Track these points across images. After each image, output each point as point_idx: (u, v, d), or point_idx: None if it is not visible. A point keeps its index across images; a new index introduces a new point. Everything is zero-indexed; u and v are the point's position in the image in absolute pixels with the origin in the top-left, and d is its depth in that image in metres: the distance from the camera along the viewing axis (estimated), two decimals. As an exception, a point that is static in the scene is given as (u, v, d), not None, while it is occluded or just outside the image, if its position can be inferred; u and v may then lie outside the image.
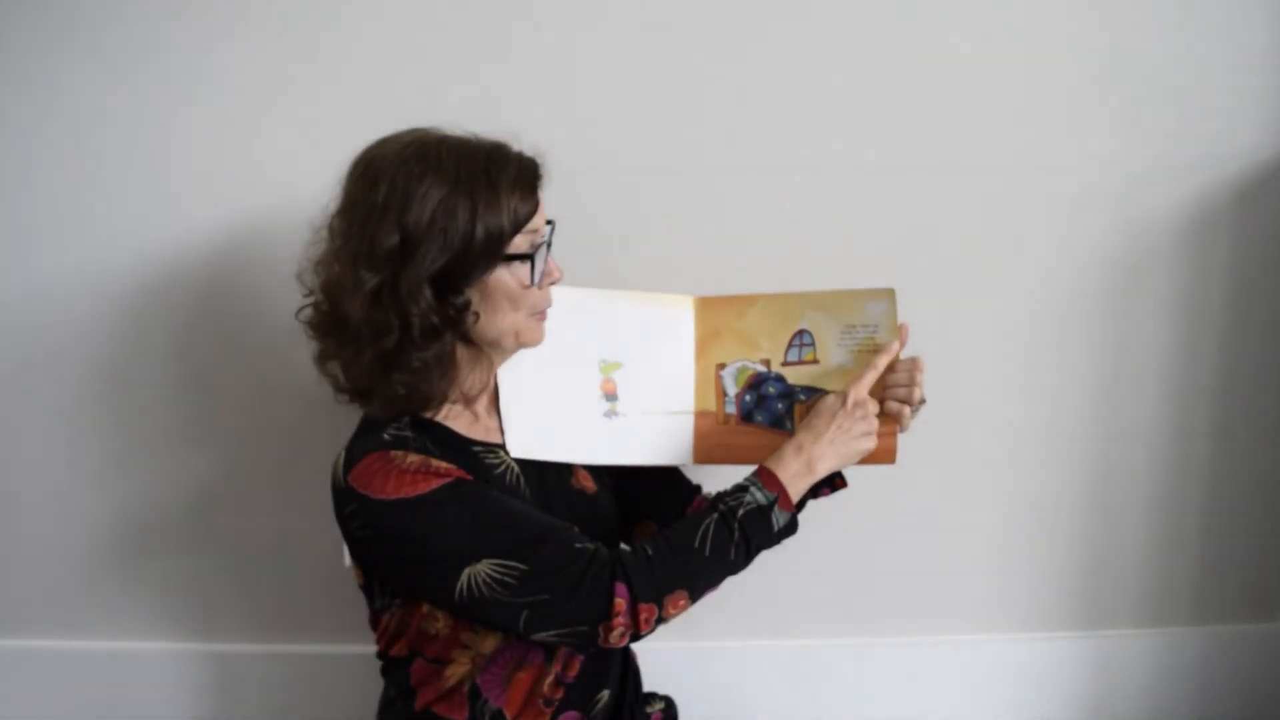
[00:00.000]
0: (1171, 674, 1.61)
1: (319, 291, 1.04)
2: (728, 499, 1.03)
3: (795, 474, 1.04)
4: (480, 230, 0.98)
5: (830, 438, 1.05)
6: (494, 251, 1.00)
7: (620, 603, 0.97)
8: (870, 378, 1.09)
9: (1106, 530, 1.57)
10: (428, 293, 0.98)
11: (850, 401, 1.06)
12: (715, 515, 1.01)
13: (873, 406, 1.07)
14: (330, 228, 1.03)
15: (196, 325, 1.45)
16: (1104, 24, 1.40)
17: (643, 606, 0.97)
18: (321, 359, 1.06)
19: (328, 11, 1.36)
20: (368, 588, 1.09)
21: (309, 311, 1.06)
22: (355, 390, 1.04)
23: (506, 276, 1.02)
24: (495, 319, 1.03)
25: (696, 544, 1.00)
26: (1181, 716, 1.61)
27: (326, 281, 1.03)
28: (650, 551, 1.00)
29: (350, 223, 1.00)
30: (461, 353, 1.05)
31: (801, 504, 1.11)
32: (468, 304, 1.01)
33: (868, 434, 1.06)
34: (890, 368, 1.12)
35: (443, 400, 1.07)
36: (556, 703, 1.09)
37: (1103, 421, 1.53)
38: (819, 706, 1.58)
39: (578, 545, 0.99)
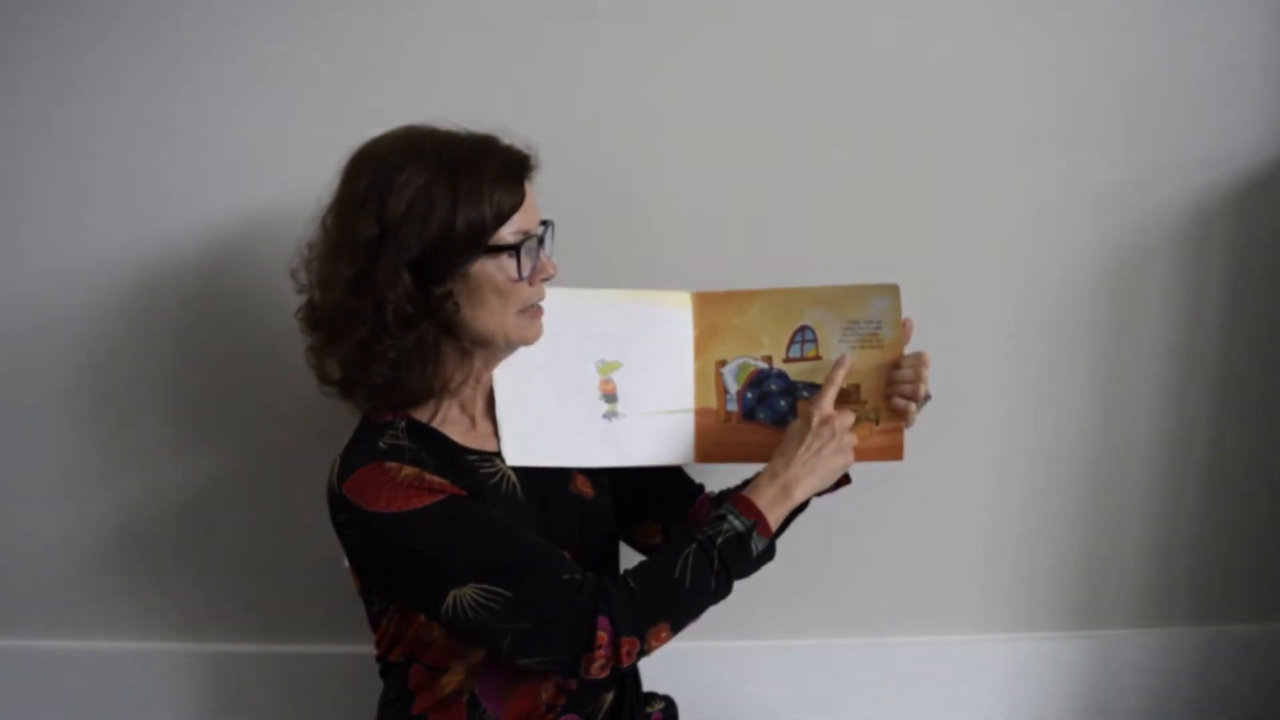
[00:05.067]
0: (1171, 674, 1.60)
1: (310, 287, 1.05)
2: (706, 529, 1.02)
3: (772, 500, 1.03)
4: (461, 219, 0.97)
5: (802, 459, 1.04)
6: (476, 242, 0.98)
7: (603, 635, 0.96)
8: (831, 393, 1.07)
9: (1106, 530, 1.56)
10: (407, 280, 0.97)
11: (816, 420, 1.05)
12: (694, 545, 1.01)
13: (843, 420, 1.06)
14: (324, 223, 1.03)
15: (194, 325, 1.44)
16: (1103, 23, 1.40)
17: (625, 640, 0.97)
18: (309, 351, 1.05)
19: (327, 11, 1.36)
20: (365, 592, 1.08)
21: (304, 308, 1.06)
22: (339, 383, 1.04)
23: (492, 269, 1.00)
24: (483, 314, 1.02)
25: (677, 575, 0.99)
26: (1181, 716, 1.61)
27: (315, 275, 1.03)
28: (633, 584, 0.99)
29: (337, 216, 1.01)
30: (448, 348, 1.03)
31: (805, 501, 1.11)
32: (449, 293, 1.00)
33: (840, 450, 1.05)
34: (895, 364, 1.11)
35: (429, 397, 1.05)
36: (559, 708, 1.08)
37: (1102, 420, 1.53)
38: (819, 706, 1.57)
39: (565, 576, 0.98)
